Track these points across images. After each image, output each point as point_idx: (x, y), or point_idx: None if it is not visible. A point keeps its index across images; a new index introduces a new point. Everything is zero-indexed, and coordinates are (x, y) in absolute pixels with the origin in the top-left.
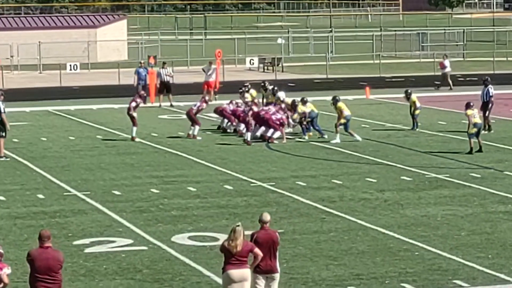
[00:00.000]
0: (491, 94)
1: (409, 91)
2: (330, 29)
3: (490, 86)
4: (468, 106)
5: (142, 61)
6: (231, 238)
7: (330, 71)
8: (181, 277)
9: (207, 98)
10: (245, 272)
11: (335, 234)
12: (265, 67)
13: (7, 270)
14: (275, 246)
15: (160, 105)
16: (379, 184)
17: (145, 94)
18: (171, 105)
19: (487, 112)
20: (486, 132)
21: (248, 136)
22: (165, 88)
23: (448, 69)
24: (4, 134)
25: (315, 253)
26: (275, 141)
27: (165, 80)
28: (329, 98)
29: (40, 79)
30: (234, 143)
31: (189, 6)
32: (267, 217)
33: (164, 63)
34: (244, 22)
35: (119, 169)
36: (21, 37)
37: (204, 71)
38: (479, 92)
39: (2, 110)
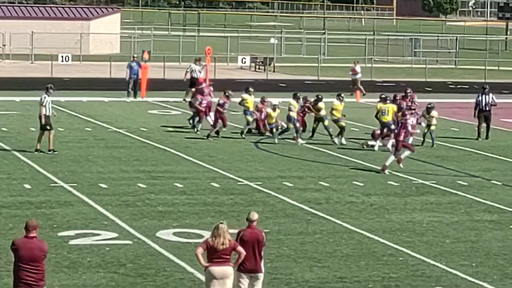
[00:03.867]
0: (495, 102)
1: (431, 105)
2: (323, 31)
3: (491, 94)
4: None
5: (135, 55)
6: (214, 235)
7: (321, 73)
8: (164, 273)
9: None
10: (227, 270)
11: (320, 236)
12: (257, 67)
13: None
14: (261, 245)
15: (184, 99)
16: (366, 188)
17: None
18: (184, 100)
19: (489, 120)
20: (485, 139)
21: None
22: (193, 83)
23: (359, 75)
24: (49, 127)
25: (299, 254)
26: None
27: (197, 75)
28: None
29: (32, 69)
30: (222, 141)
31: (183, 2)
32: (254, 216)
33: (196, 59)
34: (237, 21)
35: (106, 162)
36: (14, 26)
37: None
38: (471, 100)
39: (42, 103)
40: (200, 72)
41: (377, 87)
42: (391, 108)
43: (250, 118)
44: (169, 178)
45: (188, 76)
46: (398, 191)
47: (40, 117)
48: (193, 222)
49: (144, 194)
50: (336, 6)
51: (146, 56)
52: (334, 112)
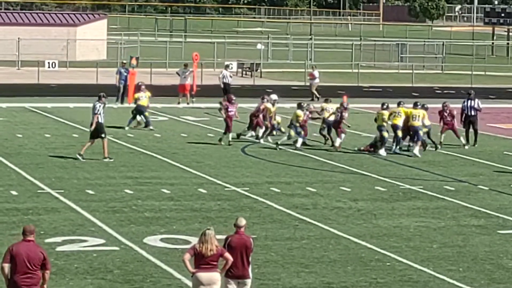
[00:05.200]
0: (480, 107)
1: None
2: (310, 36)
3: (476, 99)
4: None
5: (124, 61)
6: (201, 241)
7: (308, 79)
8: (151, 279)
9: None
10: (214, 276)
11: (308, 241)
12: (244, 72)
13: None
14: (248, 251)
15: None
16: (353, 193)
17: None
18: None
19: (475, 125)
20: (473, 146)
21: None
22: (225, 89)
23: (317, 80)
24: (103, 135)
25: (287, 260)
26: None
27: (228, 81)
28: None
29: (18, 76)
30: (209, 146)
31: (169, 8)
32: (242, 222)
33: (227, 65)
34: (224, 26)
35: (93, 168)
36: (0, 33)
37: (178, 74)
38: (458, 105)
39: (97, 111)
40: (230, 77)
41: (364, 93)
42: (422, 114)
43: (292, 133)
44: (156, 184)
45: (221, 82)
46: (385, 197)
47: (91, 125)
48: (181, 228)
49: (131, 200)
50: (322, 11)
51: (134, 62)
52: (298, 118)
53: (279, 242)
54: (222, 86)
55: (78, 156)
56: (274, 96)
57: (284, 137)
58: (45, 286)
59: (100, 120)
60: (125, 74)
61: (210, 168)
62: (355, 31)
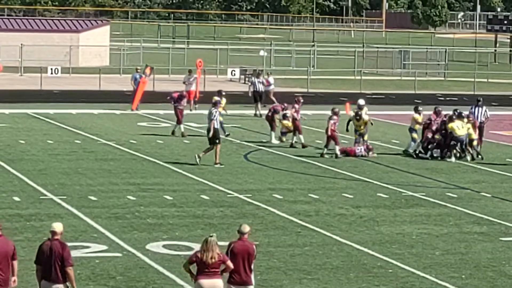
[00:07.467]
0: (487, 115)
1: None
2: (313, 43)
3: (484, 106)
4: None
5: (139, 67)
6: (203, 249)
7: (311, 85)
8: (154, 285)
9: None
10: (216, 283)
11: (310, 248)
12: (247, 79)
13: None
14: (251, 258)
15: (255, 114)
16: (355, 200)
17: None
18: (260, 115)
19: (481, 134)
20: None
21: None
22: (259, 97)
23: (272, 87)
24: (218, 140)
25: (289, 267)
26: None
27: (259, 89)
28: (309, 112)
29: (21, 82)
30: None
31: (172, 15)
32: (245, 228)
33: (258, 73)
34: (227, 33)
35: (96, 174)
36: (3, 39)
37: (185, 83)
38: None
39: (213, 117)
40: (263, 84)
41: (367, 99)
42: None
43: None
44: (158, 190)
45: (249, 91)
46: (388, 203)
47: (208, 131)
48: (183, 234)
49: (134, 207)
50: (325, 18)
51: (148, 71)
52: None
53: (281, 249)
54: (250, 94)
55: (219, 165)
56: (361, 101)
57: (412, 144)
58: (15, 275)
59: (216, 126)
60: (139, 80)
61: (213, 174)
62: (358, 38)
